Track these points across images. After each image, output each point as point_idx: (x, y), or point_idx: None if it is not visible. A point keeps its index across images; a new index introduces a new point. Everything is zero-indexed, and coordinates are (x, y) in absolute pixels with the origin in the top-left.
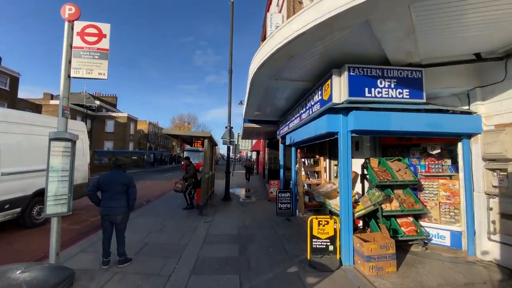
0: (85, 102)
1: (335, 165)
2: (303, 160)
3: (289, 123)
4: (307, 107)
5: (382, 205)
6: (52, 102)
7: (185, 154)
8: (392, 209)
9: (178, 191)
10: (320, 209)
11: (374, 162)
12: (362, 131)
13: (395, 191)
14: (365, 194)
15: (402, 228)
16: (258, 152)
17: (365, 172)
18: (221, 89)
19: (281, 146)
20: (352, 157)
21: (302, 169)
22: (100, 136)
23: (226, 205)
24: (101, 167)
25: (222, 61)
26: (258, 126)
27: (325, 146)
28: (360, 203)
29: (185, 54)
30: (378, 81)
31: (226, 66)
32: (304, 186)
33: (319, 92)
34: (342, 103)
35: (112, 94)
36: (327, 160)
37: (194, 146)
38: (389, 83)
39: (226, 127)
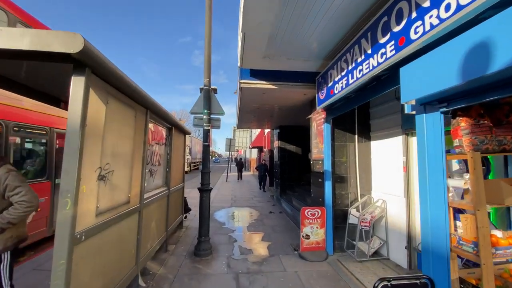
0: None
1: None
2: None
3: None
4: None
5: None
6: None
7: None
8: None
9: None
10: None
11: None
12: None
13: None
14: None
15: None
16: (260, 150)
17: None
18: (218, 88)
19: (325, 129)
20: None
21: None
22: None
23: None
24: None
25: (220, 61)
26: (269, 85)
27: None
28: None
29: (183, 54)
30: None
31: (224, 66)
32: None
33: None
34: None
35: None
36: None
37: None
38: None
39: (200, 90)
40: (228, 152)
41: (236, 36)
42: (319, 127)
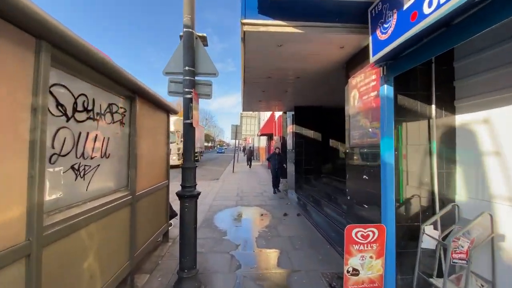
0: None
1: None
2: None
3: None
4: None
5: None
6: None
7: None
8: None
9: None
10: None
11: None
12: None
13: None
14: None
15: None
16: (270, 137)
17: None
18: (226, 76)
19: (385, 95)
20: None
21: None
22: None
23: None
24: None
25: (227, 49)
26: (290, 27)
27: None
28: None
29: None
30: None
31: (231, 54)
32: None
33: None
34: None
35: None
36: None
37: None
38: None
39: (180, 37)
40: (234, 141)
41: None
42: (369, 95)
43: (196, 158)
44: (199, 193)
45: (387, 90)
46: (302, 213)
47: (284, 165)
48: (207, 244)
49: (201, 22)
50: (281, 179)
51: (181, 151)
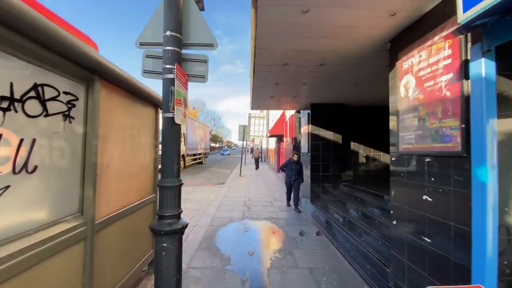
0: None
1: None
2: None
3: None
4: None
5: None
6: None
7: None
8: None
9: None
10: None
11: None
12: None
13: None
14: None
15: None
16: (279, 139)
17: None
18: (235, 78)
19: (481, 71)
20: None
21: None
22: None
23: None
24: None
25: (236, 50)
26: None
27: None
28: None
29: None
30: None
31: (240, 55)
32: None
33: None
34: None
35: None
36: None
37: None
38: None
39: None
40: (242, 142)
41: None
42: (438, 80)
43: (199, 161)
44: (185, 226)
45: (485, 67)
46: (322, 231)
47: (300, 177)
48: (205, 279)
49: (211, 24)
50: (299, 196)
51: (183, 151)
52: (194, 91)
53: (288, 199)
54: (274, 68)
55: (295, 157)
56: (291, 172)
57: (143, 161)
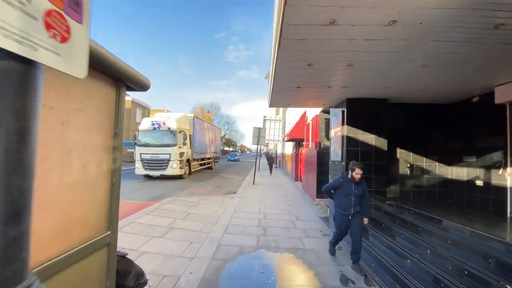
0: None
1: None
2: None
3: None
4: None
5: None
6: None
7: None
8: None
9: None
10: None
11: None
12: None
13: None
14: None
15: None
16: (298, 144)
17: None
18: (250, 84)
19: None
20: None
21: None
22: None
23: None
24: None
25: (253, 56)
26: None
27: None
28: None
29: (218, 50)
30: None
31: (256, 61)
32: None
33: None
34: None
35: None
36: None
37: None
38: None
39: None
40: (256, 146)
41: None
42: None
43: (208, 166)
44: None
45: None
46: (371, 276)
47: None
48: None
49: (228, 31)
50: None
51: (185, 156)
52: (208, 96)
53: (336, 243)
54: (311, 33)
55: (357, 173)
56: (349, 200)
57: (84, 174)
